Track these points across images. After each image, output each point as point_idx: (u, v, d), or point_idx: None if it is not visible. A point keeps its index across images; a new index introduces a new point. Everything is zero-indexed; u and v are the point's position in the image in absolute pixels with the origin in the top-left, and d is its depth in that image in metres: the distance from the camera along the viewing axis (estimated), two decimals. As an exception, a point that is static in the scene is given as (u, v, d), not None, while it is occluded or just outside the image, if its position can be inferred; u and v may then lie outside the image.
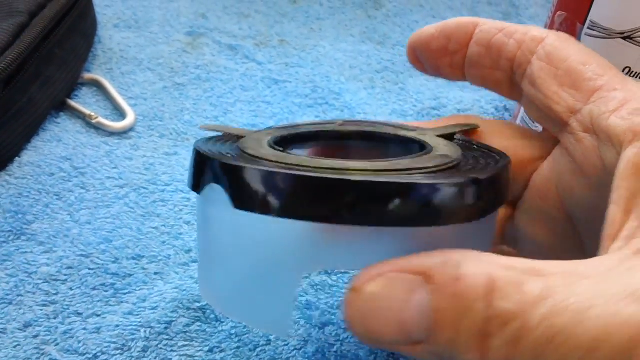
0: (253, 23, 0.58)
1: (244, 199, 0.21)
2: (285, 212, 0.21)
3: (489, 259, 0.19)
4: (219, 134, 0.30)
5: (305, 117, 0.48)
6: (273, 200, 0.21)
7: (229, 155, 0.24)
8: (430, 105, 0.50)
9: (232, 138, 0.29)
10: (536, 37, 0.26)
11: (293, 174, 0.20)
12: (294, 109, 0.49)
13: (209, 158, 0.23)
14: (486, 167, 0.23)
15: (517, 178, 0.28)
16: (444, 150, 0.26)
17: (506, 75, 0.27)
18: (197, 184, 0.24)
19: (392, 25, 0.59)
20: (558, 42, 0.26)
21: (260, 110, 0.48)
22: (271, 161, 0.23)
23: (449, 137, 0.29)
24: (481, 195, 0.21)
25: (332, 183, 0.20)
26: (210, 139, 0.29)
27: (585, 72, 0.24)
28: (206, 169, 0.23)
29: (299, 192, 0.20)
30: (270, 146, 0.26)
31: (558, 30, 0.40)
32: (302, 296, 0.35)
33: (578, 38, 0.38)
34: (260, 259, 0.24)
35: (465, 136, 0.29)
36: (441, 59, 0.29)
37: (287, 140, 0.28)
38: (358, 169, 0.22)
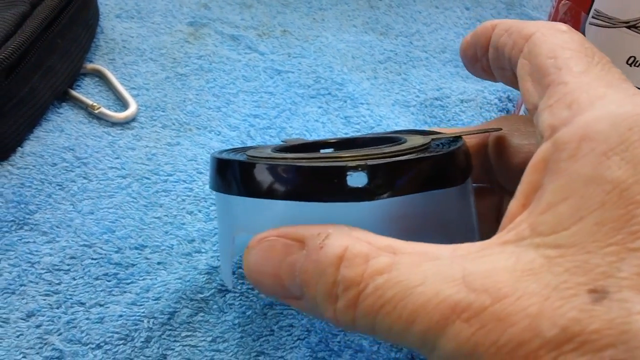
0: (255, 13, 0.58)
1: (213, 182, 0.28)
2: (215, 188, 0.28)
3: (357, 234, 0.22)
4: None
5: (308, 108, 0.48)
6: (219, 182, 0.27)
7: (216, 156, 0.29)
8: (433, 96, 0.49)
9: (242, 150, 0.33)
10: (526, 34, 0.26)
11: (216, 157, 0.28)
12: (296, 100, 0.48)
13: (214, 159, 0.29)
14: (415, 154, 0.26)
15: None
16: (412, 143, 0.28)
17: (512, 74, 0.28)
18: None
19: (394, 16, 0.59)
20: (540, 37, 0.25)
21: (262, 100, 0.48)
22: (247, 155, 0.28)
23: (456, 138, 0.29)
24: (371, 181, 0.24)
25: (230, 164, 0.26)
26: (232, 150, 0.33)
27: (548, 66, 0.24)
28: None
29: (217, 170, 0.28)
30: (275, 151, 0.30)
31: (562, 19, 0.40)
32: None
33: (582, 27, 0.38)
34: (220, 224, 0.31)
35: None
36: (475, 64, 0.31)
37: (287, 150, 0.31)
38: (281, 157, 0.27)
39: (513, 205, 0.21)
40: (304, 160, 0.25)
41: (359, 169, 0.23)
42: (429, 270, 0.20)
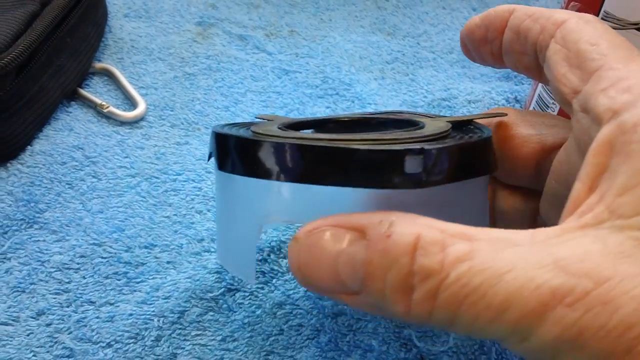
0: (263, 13, 0.58)
1: (218, 160, 0.26)
2: (245, 171, 0.25)
3: (424, 221, 0.21)
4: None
5: (316, 108, 0.48)
6: (228, 160, 0.25)
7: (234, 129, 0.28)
8: (440, 97, 0.49)
9: (247, 126, 0.31)
10: (557, 20, 0.26)
11: (248, 138, 0.24)
12: (304, 100, 0.49)
13: (212, 131, 0.27)
14: (452, 141, 0.24)
15: (542, 166, 0.28)
16: (431, 127, 0.27)
17: (533, 59, 0.28)
18: (209, 156, 0.29)
19: (401, 16, 0.59)
20: (575, 25, 0.26)
21: (270, 100, 0.48)
22: (256, 132, 0.26)
23: (465, 123, 0.29)
24: (427, 166, 0.23)
25: (265, 145, 0.24)
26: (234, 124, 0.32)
27: (591, 52, 0.24)
28: (211, 141, 0.27)
29: (240, 152, 0.25)
30: (280, 129, 0.28)
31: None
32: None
33: (592, 29, 0.38)
34: (230, 211, 0.28)
35: (492, 129, 0.30)
36: (483, 47, 0.30)
37: (292, 126, 0.30)
38: (314, 137, 0.25)
39: (579, 188, 0.21)
40: (352, 142, 0.23)
41: (419, 153, 0.22)
42: (513, 256, 0.19)
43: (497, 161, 0.27)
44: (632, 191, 0.19)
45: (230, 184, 0.27)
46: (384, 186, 0.22)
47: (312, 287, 0.23)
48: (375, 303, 0.21)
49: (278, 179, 0.24)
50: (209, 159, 0.30)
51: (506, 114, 0.30)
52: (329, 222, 0.22)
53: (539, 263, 0.18)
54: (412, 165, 0.22)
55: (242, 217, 0.28)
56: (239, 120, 0.46)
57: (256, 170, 0.24)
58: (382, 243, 0.20)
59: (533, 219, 0.31)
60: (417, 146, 0.22)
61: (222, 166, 0.26)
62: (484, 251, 0.19)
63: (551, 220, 0.29)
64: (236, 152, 0.25)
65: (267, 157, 0.24)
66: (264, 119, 0.33)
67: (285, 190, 0.25)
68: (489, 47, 0.30)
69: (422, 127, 0.27)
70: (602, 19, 0.37)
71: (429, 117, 0.32)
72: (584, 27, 0.25)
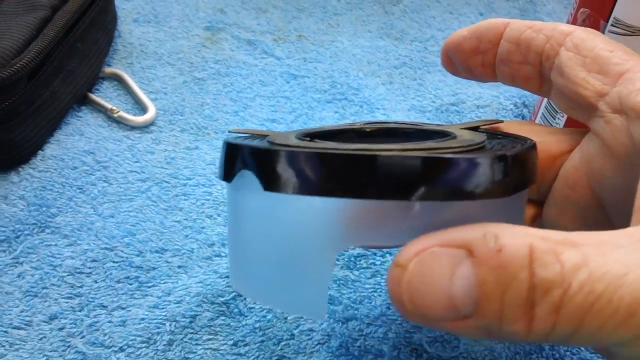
0: (271, 18, 0.58)
1: (274, 180, 0.22)
2: (317, 190, 0.21)
3: (524, 230, 0.19)
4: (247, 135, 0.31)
5: (325, 113, 0.48)
6: (304, 180, 0.21)
7: (259, 144, 0.25)
8: (449, 102, 0.50)
9: (259, 137, 0.30)
10: (564, 30, 0.27)
11: (322, 152, 0.21)
12: (313, 104, 0.49)
13: (239, 146, 0.24)
14: (513, 148, 0.24)
15: (545, 173, 0.28)
16: (469, 136, 0.26)
17: (535, 69, 0.28)
18: (227, 173, 0.25)
19: (409, 21, 0.59)
20: (585, 34, 0.26)
21: (279, 105, 0.49)
22: (300, 147, 0.23)
23: (473, 129, 0.29)
24: (510, 172, 0.22)
25: (363, 159, 0.20)
26: (238, 137, 0.30)
27: (612, 57, 0.25)
28: (237, 157, 0.24)
29: (329, 169, 0.21)
30: (298, 138, 0.26)
31: (581, 26, 0.40)
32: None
33: (601, 35, 0.38)
34: (293, 240, 0.24)
35: (490, 129, 0.30)
36: (473, 58, 0.30)
37: (313, 136, 0.28)
38: (387, 149, 0.22)
39: None
40: (422, 152, 0.21)
41: (501, 160, 0.21)
42: (624, 258, 0.18)
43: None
44: None
45: (282, 206, 0.23)
46: (475, 197, 0.21)
47: (421, 317, 0.20)
48: (487, 326, 0.19)
49: (369, 197, 0.21)
50: (227, 178, 0.25)
51: (502, 121, 0.31)
52: (435, 242, 0.20)
53: None
54: (498, 172, 0.21)
55: (309, 246, 0.23)
56: (248, 125, 0.46)
57: (339, 187, 0.21)
58: (494, 259, 0.19)
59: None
60: (500, 153, 0.21)
61: (276, 186, 0.22)
62: (594, 256, 0.18)
63: (561, 226, 0.29)
64: (311, 168, 0.21)
65: (359, 172, 0.21)
66: (244, 133, 0.31)
67: (377, 208, 0.22)
68: (480, 58, 0.30)
69: (456, 137, 0.26)
70: (611, 25, 0.38)
71: (431, 125, 0.32)
72: (594, 36, 0.26)
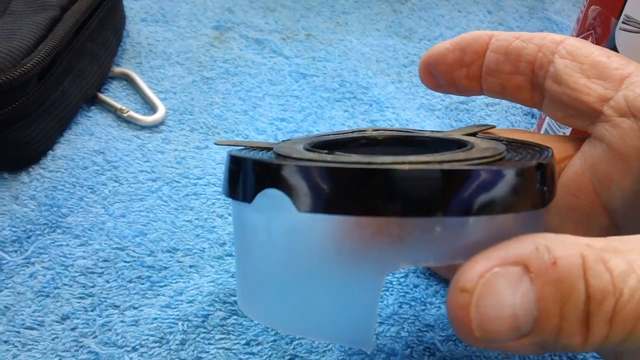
0: (279, 17, 0.58)
1: (314, 201, 0.20)
2: (364, 210, 0.20)
3: (571, 239, 0.19)
4: (241, 147, 0.28)
5: (334, 112, 0.48)
6: (351, 199, 0.19)
7: (277, 161, 0.22)
8: (458, 100, 0.49)
9: (257, 149, 0.28)
10: (555, 39, 0.27)
11: (368, 168, 0.19)
12: (322, 103, 0.49)
13: (264, 163, 0.22)
14: (534, 157, 0.23)
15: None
16: (486, 145, 0.25)
17: (527, 79, 0.28)
18: (246, 193, 0.22)
19: (417, 20, 0.59)
20: (578, 42, 0.26)
21: (289, 104, 0.48)
22: (324, 161, 0.21)
23: (472, 135, 0.29)
24: (547, 180, 0.21)
25: (426, 174, 0.19)
26: (239, 150, 0.27)
27: (611, 62, 0.25)
28: (261, 175, 0.22)
29: (377, 188, 0.19)
30: (309, 150, 0.24)
31: (591, 25, 0.40)
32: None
33: (612, 33, 0.38)
34: (334, 264, 0.22)
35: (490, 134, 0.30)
36: (457, 71, 0.29)
37: (322, 147, 0.26)
38: (415, 161, 0.21)
39: None
40: (455, 163, 0.21)
41: (540, 169, 0.21)
42: None
43: None
44: None
45: (322, 228, 0.21)
46: (520, 209, 0.20)
47: (489, 340, 0.19)
48: (544, 341, 0.19)
49: (429, 214, 0.19)
50: (246, 199, 0.22)
51: (495, 126, 0.30)
52: (493, 261, 0.19)
53: None
54: (538, 182, 0.21)
55: (356, 270, 0.21)
56: (258, 124, 0.46)
57: (391, 207, 0.19)
58: (551, 273, 0.18)
59: None
60: (536, 162, 0.21)
61: (316, 207, 0.20)
62: (638, 261, 0.18)
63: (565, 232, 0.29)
64: (360, 187, 0.19)
65: (421, 189, 0.19)
66: (232, 145, 0.29)
67: (438, 226, 0.20)
68: (464, 71, 0.29)
69: (473, 147, 0.24)
70: (622, 22, 0.37)
71: (429, 132, 0.31)
72: (587, 44, 0.26)
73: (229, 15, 0.58)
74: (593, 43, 0.40)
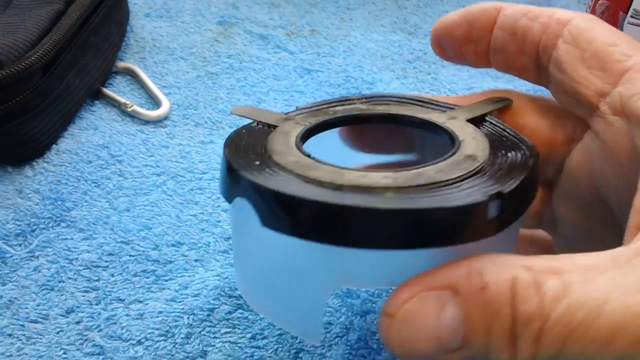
0: (283, 13, 0.58)
1: (269, 219, 0.22)
2: (307, 235, 0.21)
3: (510, 261, 0.20)
4: (250, 121, 0.30)
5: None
6: (294, 223, 0.21)
7: (257, 164, 0.24)
8: (465, 95, 0.49)
9: (264, 125, 0.29)
10: (561, 19, 0.25)
11: (311, 200, 0.21)
12: (327, 99, 0.48)
13: (238, 173, 0.23)
14: (512, 171, 0.23)
15: (551, 160, 0.28)
16: (472, 146, 0.25)
17: (532, 59, 0.27)
18: (227, 195, 0.25)
19: (422, 15, 0.59)
20: (584, 24, 0.25)
21: (293, 99, 0.48)
22: (296, 173, 0.23)
23: (480, 119, 0.28)
24: (506, 208, 0.21)
25: (356, 212, 0.20)
26: (241, 130, 0.28)
27: (613, 53, 0.24)
28: (236, 183, 0.23)
29: (316, 217, 0.21)
30: (298, 146, 0.25)
31: (600, 18, 0.40)
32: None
33: (620, 26, 0.38)
34: (288, 272, 0.25)
35: (497, 117, 0.28)
36: (465, 46, 0.29)
37: (317, 129, 0.28)
38: (380, 186, 0.22)
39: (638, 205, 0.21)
40: (416, 190, 0.22)
41: (497, 198, 0.21)
42: (606, 284, 0.18)
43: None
44: None
45: (280, 240, 0.23)
46: (465, 241, 0.21)
47: (414, 357, 0.21)
48: (475, 355, 0.20)
49: (361, 247, 0.21)
50: (227, 199, 0.25)
51: (511, 102, 0.29)
52: (419, 287, 0.20)
53: (635, 288, 0.18)
54: (492, 211, 0.21)
55: (307, 280, 0.24)
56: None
57: (329, 236, 0.21)
58: (478, 297, 0.19)
59: (538, 217, 0.30)
60: (494, 190, 0.21)
61: (272, 225, 0.22)
62: (577, 284, 0.19)
63: (568, 220, 0.28)
64: (311, 217, 0.21)
65: (351, 223, 0.21)
66: (248, 117, 0.30)
67: (367, 255, 0.22)
68: (472, 46, 0.28)
69: (460, 145, 0.25)
70: (631, 16, 0.37)
71: (438, 106, 0.30)
72: (593, 26, 0.25)
73: (233, 11, 0.58)
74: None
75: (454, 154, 0.25)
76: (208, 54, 0.52)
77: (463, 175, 0.23)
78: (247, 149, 0.25)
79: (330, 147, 0.29)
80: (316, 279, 0.24)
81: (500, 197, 0.21)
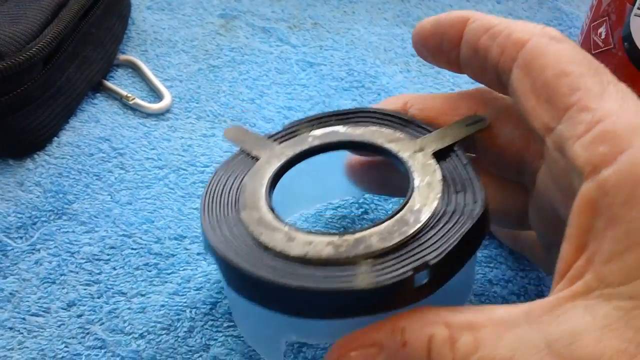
0: (285, 6, 0.58)
1: (227, 279, 0.26)
2: (254, 301, 0.25)
3: (433, 318, 0.22)
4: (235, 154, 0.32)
5: (342, 101, 0.48)
6: (243, 291, 0.25)
7: (226, 217, 0.28)
8: (467, 89, 0.49)
9: (248, 156, 0.31)
10: (517, 41, 0.25)
11: (255, 275, 0.24)
12: (330, 92, 0.48)
13: (210, 245, 0.26)
14: (450, 230, 0.24)
15: (526, 170, 0.28)
16: (423, 196, 0.26)
17: (495, 77, 0.27)
18: (205, 248, 0.28)
19: (425, 9, 0.58)
20: (538, 48, 0.24)
21: (296, 92, 0.48)
22: (253, 237, 0.26)
23: (448, 149, 0.28)
24: (433, 276, 0.23)
25: (285, 289, 0.23)
26: (226, 166, 0.31)
27: (561, 86, 0.23)
28: (206, 239, 0.27)
29: (260, 289, 0.24)
30: (267, 196, 0.28)
31: (605, 11, 0.40)
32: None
33: (627, 19, 0.38)
34: (254, 315, 0.28)
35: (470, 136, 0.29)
36: (438, 56, 0.30)
37: (292, 163, 0.31)
38: (322, 257, 0.24)
39: (567, 249, 0.21)
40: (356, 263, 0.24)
41: (424, 268, 0.23)
42: (514, 341, 0.20)
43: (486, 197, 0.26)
44: (619, 259, 0.19)
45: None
46: (394, 309, 0.23)
47: None
48: None
49: (303, 317, 0.24)
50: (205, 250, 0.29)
51: (487, 123, 0.29)
52: (351, 346, 0.23)
53: (535, 347, 0.19)
54: (419, 280, 0.23)
55: (266, 326, 0.28)
56: (265, 112, 0.46)
57: (274, 306, 0.24)
58: (400, 354, 0.22)
59: (521, 218, 0.30)
60: (421, 262, 0.23)
61: (233, 288, 0.26)
62: (488, 340, 0.20)
63: (541, 233, 0.29)
64: (255, 289, 0.25)
65: (292, 298, 0.24)
66: (236, 143, 0.33)
67: (323, 323, 0.25)
68: (445, 56, 0.29)
69: (411, 197, 0.26)
70: (638, 8, 0.37)
71: (414, 129, 0.30)
72: (547, 49, 0.24)
73: (235, 4, 0.57)
74: (607, 30, 0.40)
75: (402, 208, 0.26)
76: (210, 47, 0.52)
77: (400, 241, 0.24)
78: (223, 196, 0.29)
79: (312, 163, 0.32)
80: (273, 328, 0.27)
81: (427, 268, 0.23)
